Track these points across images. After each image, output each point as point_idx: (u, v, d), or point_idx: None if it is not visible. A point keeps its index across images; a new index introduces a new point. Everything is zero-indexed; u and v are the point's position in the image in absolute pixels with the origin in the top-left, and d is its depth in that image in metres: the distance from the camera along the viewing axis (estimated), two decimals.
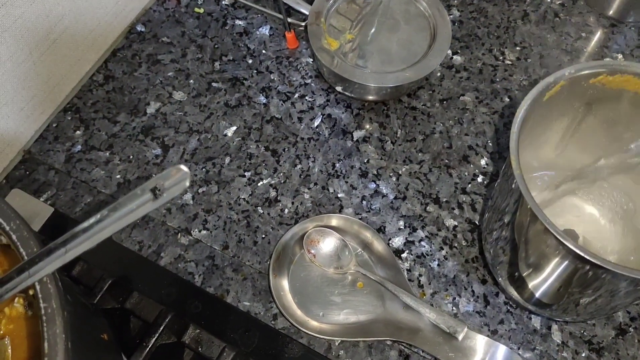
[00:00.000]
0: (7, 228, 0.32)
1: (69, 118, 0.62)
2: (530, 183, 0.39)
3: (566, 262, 0.39)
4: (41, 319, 0.30)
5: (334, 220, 0.55)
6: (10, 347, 0.36)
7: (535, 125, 0.42)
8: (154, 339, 0.46)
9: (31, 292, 0.31)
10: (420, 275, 0.54)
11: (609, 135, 0.44)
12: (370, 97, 0.61)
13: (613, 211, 0.47)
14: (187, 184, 0.27)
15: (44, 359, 0.28)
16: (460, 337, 0.49)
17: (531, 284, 0.47)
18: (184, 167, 0.27)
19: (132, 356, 0.45)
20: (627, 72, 0.40)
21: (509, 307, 0.53)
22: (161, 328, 0.47)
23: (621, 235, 0.46)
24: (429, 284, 0.54)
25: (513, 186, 0.43)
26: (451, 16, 0.68)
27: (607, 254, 0.49)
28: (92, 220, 0.29)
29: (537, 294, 0.47)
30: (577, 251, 0.35)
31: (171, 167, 0.27)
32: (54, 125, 0.61)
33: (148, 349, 0.46)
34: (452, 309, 0.52)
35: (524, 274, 0.47)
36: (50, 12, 0.56)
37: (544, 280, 0.45)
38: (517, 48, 0.66)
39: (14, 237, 0.31)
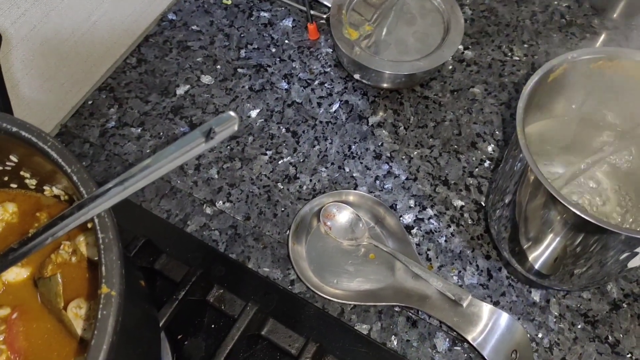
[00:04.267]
0: (69, 170, 0.36)
1: (104, 96, 0.66)
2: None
3: (561, 226, 0.43)
4: (99, 248, 0.33)
5: (349, 196, 0.59)
6: (61, 285, 0.40)
7: (541, 104, 0.46)
8: (183, 292, 0.50)
9: (90, 225, 0.35)
10: (428, 249, 0.58)
11: (609, 116, 0.49)
12: (386, 85, 0.65)
13: (614, 184, 0.51)
14: (236, 127, 0.31)
15: (102, 281, 0.32)
16: (464, 304, 0.53)
17: (531, 257, 0.51)
18: (233, 113, 0.31)
19: (163, 307, 0.49)
20: (626, 58, 0.44)
21: (510, 281, 0.56)
22: (189, 284, 0.51)
23: (624, 208, 0.50)
24: (437, 257, 0.58)
25: (515, 168, 0.47)
26: (464, 14, 0.72)
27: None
28: (149, 160, 0.33)
29: (537, 266, 0.51)
30: (572, 209, 0.39)
31: (222, 113, 0.31)
32: (90, 102, 0.66)
33: (177, 302, 0.49)
34: (458, 281, 0.56)
35: (525, 247, 0.51)
36: None
37: (542, 252, 0.49)
38: (525, 45, 0.70)
39: (74, 178, 0.35)
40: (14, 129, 0.37)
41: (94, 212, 0.34)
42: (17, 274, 0.43)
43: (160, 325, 0.48)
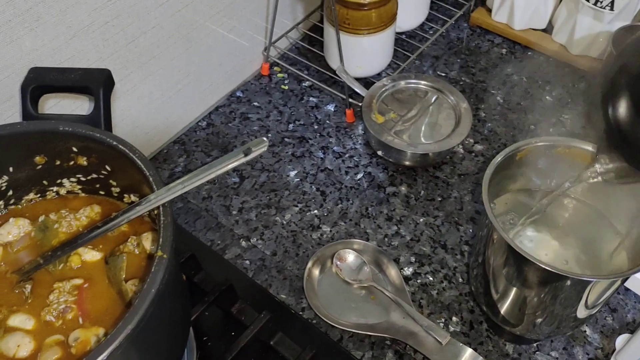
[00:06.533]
0: (148, 173, 0.50)
1: (177, 148, 0.83)
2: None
3: (518, 275, 0.53)
4: (159, 227, 0.47)
5: (361, 246, 0.71)
6: (125, 262, 0.53)
7: (510, 178, 0.59)
8: (213, 298, 0.62)
9: (155, 212, 0.49)
10: (421, 298, 0.68)
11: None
12: (404, 162, 0.79)
13: (564, 232, 0.61)
14: (265, 148, 0.44)
15: (158, 248, 0.45)
16: (444, 342, 0.62)
17: (501, 308, 0.60)
18: (265, 139, 0.45)
19: (195, 306, 0.61)
20: (577, 146, 0.57)
21: (489, 334, 0.65)
22: (216, 295, 0.63)
23: (574, 250, 0.60)
24: (428, 306, 0.68)
25: (481, 233, 0.58)
26: (478, 115, 0.86)
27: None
28: (204, 167, 0.47)
29: (506, 316, 0.60)
30: (522, 254, 0.50)
31: (258, 138, 0.45)
32: (165, 151, 0.82)
33: (207, 304, 0.61)
34: (443, 327, 0.66)
35: (495, 299, 0.60)
36: (181, 70, 0.79)
37: (508, 303, 0.59)
38: None
39: (150, 179, 0.50)
40: (114, 143, 0.52)
41: (160, 202, 0.48)
42: (93, 255, 0.56)
43: (192, 318, 0.60)
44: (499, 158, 0.56)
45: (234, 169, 0.80)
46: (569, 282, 0.51)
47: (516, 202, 0.62)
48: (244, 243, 0.73)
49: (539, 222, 0.62)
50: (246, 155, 0.45)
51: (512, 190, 0.62)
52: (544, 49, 0.93)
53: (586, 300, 0.54)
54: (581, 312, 0.55)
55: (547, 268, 0.50)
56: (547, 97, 0.89)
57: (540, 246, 0.62)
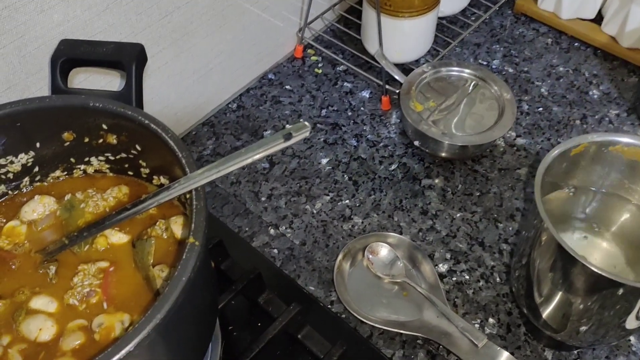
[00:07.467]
0: (180, 155, 0.47)
1: (205, 130, 0.80)
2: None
3: (566, 279, 0.50)
4: (191, 212, 0.44)
5: (394, 240, 0.68)
6: (154, 247, 0.51)
7: (563, 175, 0.55)
8: (240, 286, 0.60)
9: (188, 195, 0.46)
10: (456, 297, 0.65)
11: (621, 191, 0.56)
12: (441, 154, 0.75)
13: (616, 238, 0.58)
14: (308, 134, 0.41)
15: (190, 234, 0.43)
16: (480, 345, 0.59)
17: (543, 313, 0.57)
18: (307, 123, 0.42)
19: (222, 294, 0.59)
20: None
21: (527, 338, 0.62)
22: (246, 281, 0.60)
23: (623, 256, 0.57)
24: (463, 305, 0.64)
25: (528, 234, 0.55)
26: (521, 108, 0.82)
27: None
28: (239, 151, 0.44)
29: (548, 321, 0.57)
30: (578, 258, 0.47)
31: (299, 123, 0.42)
32: (194, 133, 0.80)
33: (234, 292, 0.59)
34: (479, 329, 0.62)
35: (538, 303, 0.57)
36: (213, 48, 0.76)
37: (551, 308, 0.56)
38: None
39: (183, 161, 0.47)
40: (146, 122, 0.50)
41: (193, 186, 0.45)
42: (120, 238, 0.54)
43: (219, 306, 0.57)
44: (554, 152, 0.53)
45: None
46: (622, 290, 0.48)
47: (565, 201, 0.59)
48: (272, 231, 0.70)
49: (588, 223, 0.59)
50: (286, 140, 0.43)
51: (562, 188, 0.58)
52: (592, 40, 0.89)
53: (638, 310, 0.50)
54: (631, 323, 0.51)
55: (602, 274, 0.46)
56: (594, 91, 0.84)
57: (587, 249, 0.58)
